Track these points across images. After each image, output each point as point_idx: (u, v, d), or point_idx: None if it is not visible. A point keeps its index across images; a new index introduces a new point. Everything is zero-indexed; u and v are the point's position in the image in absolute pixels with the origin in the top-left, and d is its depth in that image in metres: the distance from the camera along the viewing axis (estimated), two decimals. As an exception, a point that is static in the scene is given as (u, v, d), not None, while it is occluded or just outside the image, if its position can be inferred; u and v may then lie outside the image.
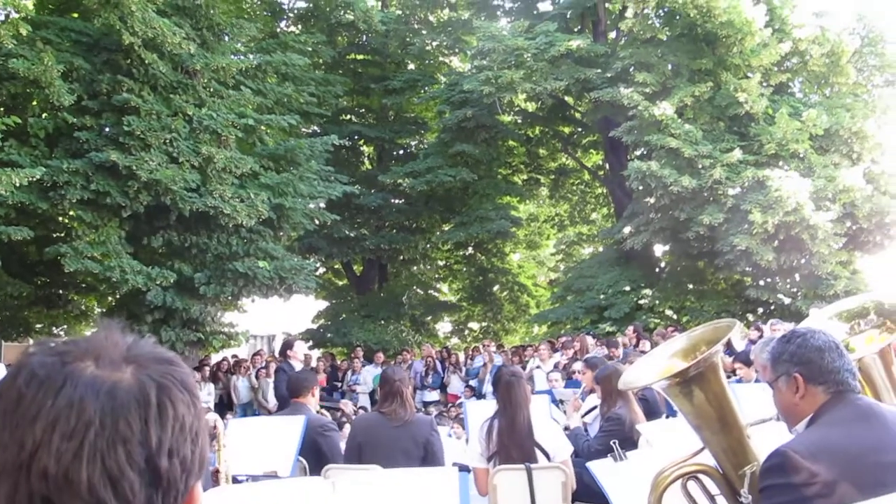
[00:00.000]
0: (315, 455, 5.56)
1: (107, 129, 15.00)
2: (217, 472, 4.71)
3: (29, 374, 0.99)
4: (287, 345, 11.03)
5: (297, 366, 10.79)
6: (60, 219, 15.89)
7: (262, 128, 17.72)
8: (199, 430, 1.02)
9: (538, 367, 15.16)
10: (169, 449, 0.97)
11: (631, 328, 17.39)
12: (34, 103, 14.79)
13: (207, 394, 15.87)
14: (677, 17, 21.41)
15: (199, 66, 15.93)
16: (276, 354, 21.09)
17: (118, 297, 16.59)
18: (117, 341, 1.04)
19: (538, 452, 5.21)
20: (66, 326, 19.92)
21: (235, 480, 4.92)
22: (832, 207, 19.76)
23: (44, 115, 14.62)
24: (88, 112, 14.80)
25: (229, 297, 17.30)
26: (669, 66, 21.59)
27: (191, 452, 1.00)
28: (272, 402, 16.21)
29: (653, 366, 3.42)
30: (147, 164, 14.23)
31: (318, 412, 6.24)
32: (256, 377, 16.79)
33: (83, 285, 17.61)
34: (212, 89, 16.54)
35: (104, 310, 18.74)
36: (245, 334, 19.08)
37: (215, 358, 19.19)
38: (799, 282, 21.27)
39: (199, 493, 1.05)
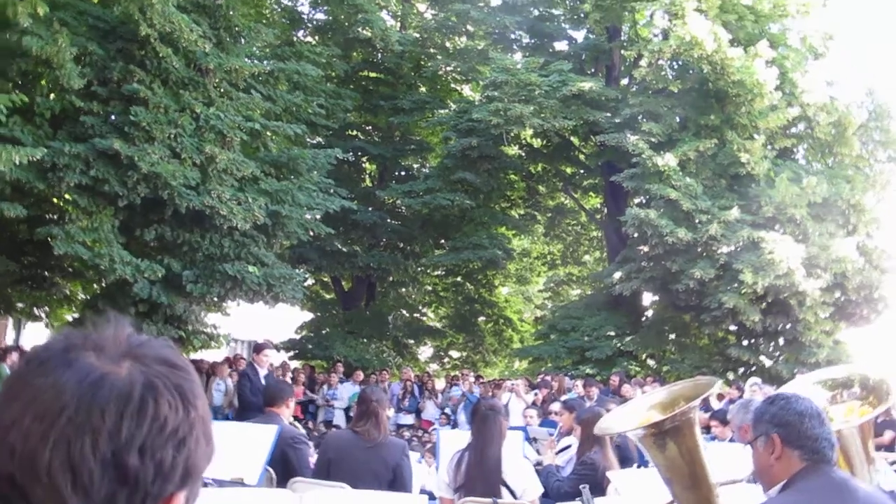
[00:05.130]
0: (283, 466, 5.54)
1: (113, 117, 14.97)
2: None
3: (34, 356, 1.00)
4: (255, 349, 10.88)
5: (263, 372, 10.65)
6: (56, 201, 15.83)
7: (268, 133, 17.73)
8: (186, 437, 0.99)
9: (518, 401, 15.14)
10: (141, 447, 0.94)
11: (616, 377, 17.39)
12: (43, 83, 14.77)
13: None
14: (690, 72, 21.56)
15: (212, 65, 15.95)
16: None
17: (104, 285, 16.51)
18: (123, 337, 1.04)
19: (504, 490, 5.19)
20: (47, 308, 19.83)
21: (204, 484, 4.89)
22: (823, 276, 19.84)
23: (51, 96, 14.61)
24: (97, 98, 14.78)
25: (215, 298, 17.23)
26: (677, 119, 21.74)
27: (171, 458, 0.97)
28: (247, 407, 16.14)
29: (631, 415, 3.44)
30: (149, 157, 14.20)
31: (291, 424, 6.21)
32: (237, 381, 16.73)
33: (70, 270, 17.52)
34: (222, 90, 16.55)
35: (88, 297, 18.68)
36: (226, 337, 19.01)
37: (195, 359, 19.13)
38: (782, 346, 21.35)
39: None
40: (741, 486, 3.07)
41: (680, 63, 22.07)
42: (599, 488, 5.64)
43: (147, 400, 0.97)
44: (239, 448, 5.35)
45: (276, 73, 18.69)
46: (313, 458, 5.99)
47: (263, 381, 10.37)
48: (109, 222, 14.83)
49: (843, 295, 20.76)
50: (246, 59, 17.28)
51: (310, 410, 18.17)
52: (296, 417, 11.74)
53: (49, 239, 14.14)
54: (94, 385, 0.96)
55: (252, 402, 9.66)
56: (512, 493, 5.16)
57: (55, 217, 15.44)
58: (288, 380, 17.09)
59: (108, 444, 0.93)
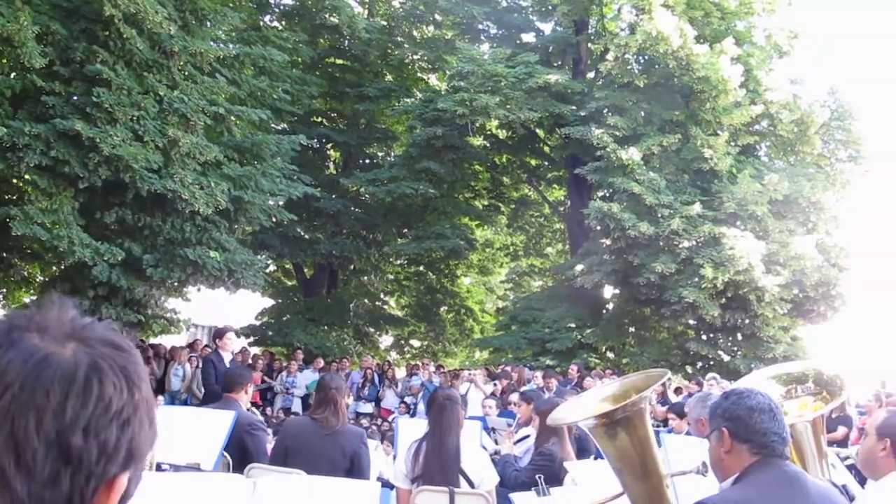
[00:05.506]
0: (240, 453, 5.52)
1: (75, 98, 14.75)
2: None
3: None
4: (217, 334, 10.74)
5: (227, 357, 10.58)
6: (15, 181, 15.63)
7: (232, 118, 17.58)
8: (130, 418, 0.99)
9: (476, 391, 15.20)
10: (85, 427, 0.94)
11: (574, 367, 17.52)
12: (4, 61, 14.56)
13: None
14: (656, 66, 21.70)
15: (176, 48, 15.78)
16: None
17: (63, 267, 16.34)
18: (67, 318, 1.04)
19: (462, 479, 5.21)
20: (4, 290, 19.59)
21: (159, 468, 4.88)
22: (782, 272, 20.09)
23: (12, 75, 14.39)
24: (59, 78, 14.57)
25: (175, 283, 17.10)
26: (642, 113, 21.87)
27: (115, 438, 0.97)
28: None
29: (584, 406, 3.47)
30: (111, 139, 14.02)
31: (248, 410, 6.19)
32: (196, 366, 16.67)
33: (28, 251, 17.31)
34: (187, 73, 16.39)
35: (47, 279, 18.47)
36: (186, 322, 18.89)
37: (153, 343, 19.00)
38: (740, 341, 21.58)
39: (123, 485, 1.00)
40: (693, 477, 3.11)
41: (646, 58, 22.19)
42: (556, 479, 5.67)
43: (92, 380, 0.96)
44: (196, 433, 5.33)
45: (242, 58, 18.53)
46: (271, 445, 5.98)
47: (228, 366, 10.36)
48: (69, 204, 14.64)
49: (801, 292, 21.02)
50: (211, 43, 17.12)
51: (267, 397, 18.11)
52: (254, 403, 11.74)
53: (7, 220, 13.94)
54: (38, 365, 0.96)
55: (216, 389, 9.58)
56: (470, 482, 5.18)
57: (14, 198, 15.24)
58: (254, 365, 17.10)
59: (53, 424, 0.93)
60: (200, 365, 15.84)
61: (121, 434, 0.98)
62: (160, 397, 14.94)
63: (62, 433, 0.93)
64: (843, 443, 11.92)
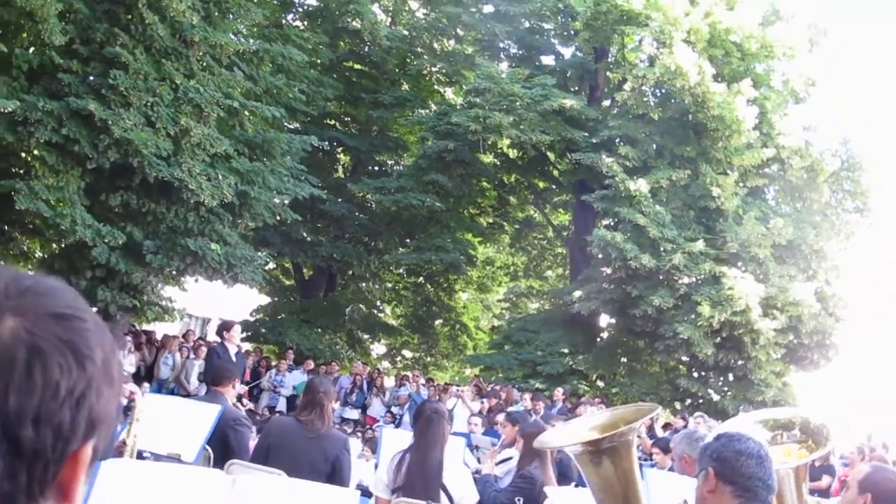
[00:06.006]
0: (222, 447, 5.51)
1: (91, 78, 14.78)
2: (123, 443, 4.65)
3: None
4: (224, 326, 10.68)
5: (233, 349, 10.55)
6: (23, 155, 15.64)
7: (246, 113, 17.59)
8: (84, 393, 0.90)
9: (464, 408, 15.18)
10: (35, 417, 0.86)
11: (560, 391, 17.52)
12: (24, 35, 14.60)
13: (129, 364, 15.66)
14: (672, 101, 21.72)
15: (197, 38, 15.82)
16: (208, 338, 20.97)
17: (63, 245, 16.33)
18: (2, 286, 0.93)
19: (443, 495, 5.19)
20: (2, 263, 19.56)
21: (140, 455, 4.86)
22: (779, 317, 20.09)
23: (31, 50, 14.43)
24: (77, 57, 14.61)
25: (174, 272, 17.08)
26: (654, 146, 21.90)
27: (70, 419, 0.89)
28: (194, 384, 16.06)
29: (572, 431, 3.47)
30: (123, 122, 14.04)
31: (234, 405, 6.17)
32: (186, 356, 16.68)
33: (30, 226, 17.31)
34: (205, 64, 16.42)
35: (46, 255, 18.45)
36: (181, 311, 18.87)
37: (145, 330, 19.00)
38: (731, 381, 21.57)
39: (87, 455, 0.94)
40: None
41: (663, 91, 22.23)
42: (536, 503, 5.65)
43: (34, 367, 0.87)
44: (180, 424, 5.32)
45: (261, 54, 18.57)
46: (254, 442, 5.96)
47: (234, 360, 10.36)
48: (76, 183, 14.66)
49: (796, 338, 21.02)
50: (232, 36, 17.17)
51: (253, 393, 18.09)
52: (240, 398, 11.74)
53: (12, 193, 13.94)
54: None
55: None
56: (450, 498, 5.16)
57: (21, 172, 15.24)
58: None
59: None
60: (199, 359, 15.90)
61: (76, 413, 0.90)
62: (146, 385, 14.89)
63: (9, 427, 0.86)
64: (825, 493, 11.88)
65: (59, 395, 0.88)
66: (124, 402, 4.95)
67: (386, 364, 30.30)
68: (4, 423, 0.85)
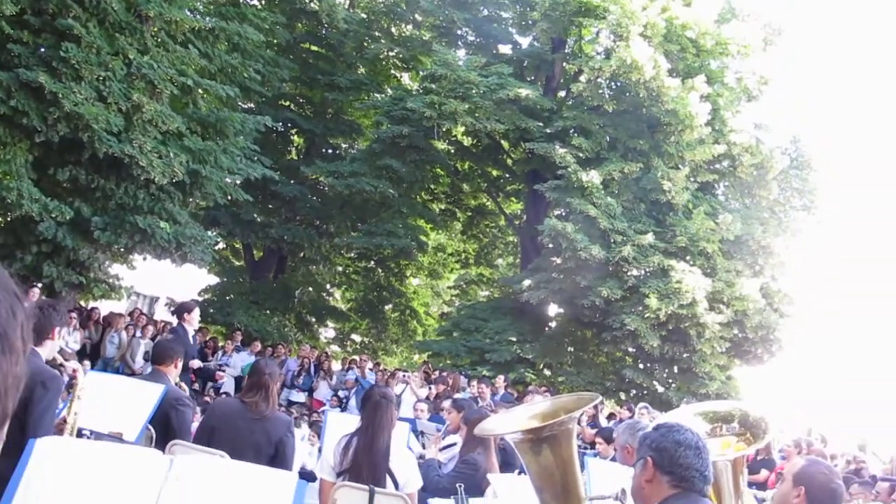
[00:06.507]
0: (164, 427, 5.47)
1: (42, 50, 14.53)
2: (64, 421, 4.61)
3: None
4: (185, 308, 10.53)
5: (192, 331, 10.46)
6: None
7: (200, 91, 17.41)
8: None
9: (411, 394, 15.22)
10: None
11: (501, 378, 17.63)
12: (-27, 4, 14.31)
13: (73, 341, 15.47)
14: (627, 94, 21.85)
15: (152, 13, 15.61)
16: (155, 317, 20.78)
17: (9, 219, 16.07)
18: None
19: (389, 479, 5.21)
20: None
21: (80, 434, 4.82)
22: (724, 311, 20.38)
23: (-20, 19, 14.16)
24: (28, 27, 14.34)
25: (122, 249, 16.90)
26: (607, 138, 22.02)
27: None
28: (139, 363, 15.90)
29: (513, 419, 3.50)
30: (74, 96, 13.82)
31: (177, 384, 6.12)
32: (133, 335, 16.52)
33: (-26, 199, 17.03)
34: (159, 39, 16.21)
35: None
36: (128, 289, 18.66)
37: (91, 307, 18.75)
38: (676, 374, 21.83)
39: None
40: (608, 502, 3.14)
41: (618, 84, 22.34)
42: (478, 489, 5.69)
43: None
44: (122, 403, 5.28)
45: (217, 32, 18.35)
46: (197, 423, 5.93)
47: (192, 342, 10.29)
48: (23, 156, 14.41)
49: (741, 332, 21.33)
50: (188, 13, 16.95)
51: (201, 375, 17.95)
52: (191, 381, 11.65)
53: (-44, 164, 13.69)
54: None
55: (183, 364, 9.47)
56: (395, 482, 5.19)
57: (-34, 143, 14.95)
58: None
59: None
60: (146, 338, 15.76)
61: None
62: (86, 363, 14.72)
63: None
64: (763, 485, 12.07)
65: None
66: (66, 379, 4.91)
67: (335, 348, 30.24)
68: None
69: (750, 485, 10.41)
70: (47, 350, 4.64)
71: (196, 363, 12.44)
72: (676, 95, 20.36)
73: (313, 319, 29.13)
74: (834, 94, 53.65)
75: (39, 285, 15.27)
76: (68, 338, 15.10)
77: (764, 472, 12.66)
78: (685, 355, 21.06)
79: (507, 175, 27.70)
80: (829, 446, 14.78)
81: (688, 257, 20.87)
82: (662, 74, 20.24)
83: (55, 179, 15.31)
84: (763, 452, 12.88)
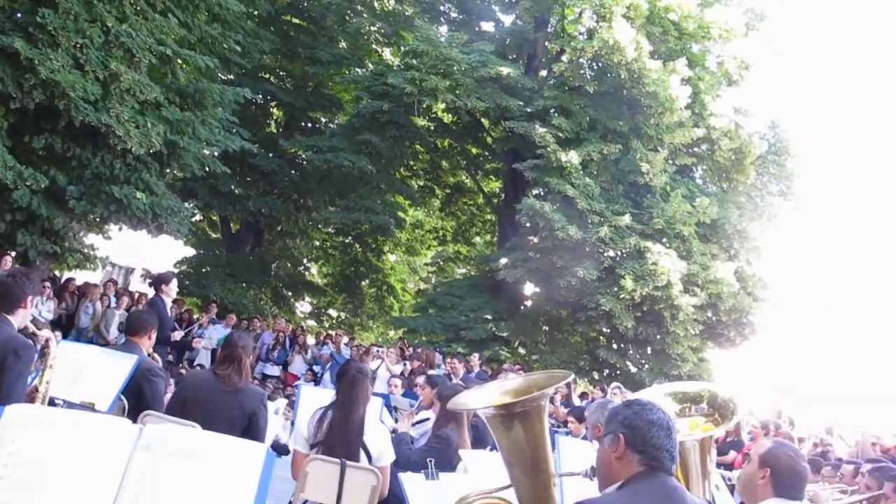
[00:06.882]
0: (136, 398, 5.46)
1: (18, 15, 14.36)
2: (35, 390, 4.59)
3: None
4: (163, 279, 10.45)
5: (170, 302, 10.42)
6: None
7: (179, 61, 17.28)
8: None
9: (385, 369, 15.27)
10: None
11: (477, 356, 17.69)
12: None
13: (47, 311, 15.38)
14: (608, 75, 21.84)
15: (131, -20, 15.48)
16: (130, 287, 20.68)
17: (-19, 187, 15.93)
18: None
19: (362, 453, 5.24)
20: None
21: (52, 403, 4.81)
22: (699, 294, 20.50)
23: (-47, -17, 13.96)
24: (4, -8, 14.19)
25: (97, 219, 16.76)
26: (587, 119, 22.03)
27: None
28: (113, 333, 15.84)
29: (485, 395, 3.52)
30: (50, 63, 13.65)
31: (149, 355, 6.11)
32: (107, 305, 16.44)
33: (-53, 166, 16.83)
34: (138, 7, 16.03)
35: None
36: (104, 260, 18.53)
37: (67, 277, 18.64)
38: (649, 355, 21.96)
39: None
40: (581, 479, 3.17)
41: (599, 65, 22.33)
42: (450, 464, 5.72)
43: None
44: (95, 373, 5.26)
45: (197, 1, 18.18)
46: (170, 395, 5.93)
47: (170, 313, 10.25)
48: (-2, 123, 14.26)
49: (714, 315, 21.47)
50: (167, -20, 16.79)
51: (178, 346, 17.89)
52: (167, 353, 11.62)
53: (-72, 130, 13.52)
54: None
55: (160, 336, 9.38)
56: (368, 455, 5.22)
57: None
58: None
59: None
60: (120, 308, 15.70)
61: None
62: (58, 333, 14.64)
63: None
64: (730, 466, 12.18)
65: None
66: (38, 348, 4.89)
67: (312, 323, 30.23)
68: None
69: (718, 465, 10.51)
70: (19, 319, 4.62)
71: (178, 334, 12.45)
72: (657, 78, 20.36)
73: (290, 294, 29.11)
74: (815, 82, 53.87)
75: (13, 254, 15.14)
76: (42, 307, 15.02)
77: (732, 454, 12.77)
78: (658, 337, 21.19)
79: (487, 153, 27.70)
80: (796, 429, 14.89)
81: (664, 239, 20.94)
82: (644, 56, 20.25)
83: (30, 147, 15.14)
84: (732, 434, 13.00)
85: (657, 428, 2.84)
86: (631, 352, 22.22)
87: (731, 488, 7.05)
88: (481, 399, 3.49)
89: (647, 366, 21.83)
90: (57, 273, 17.88)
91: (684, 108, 20.93)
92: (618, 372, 21.69)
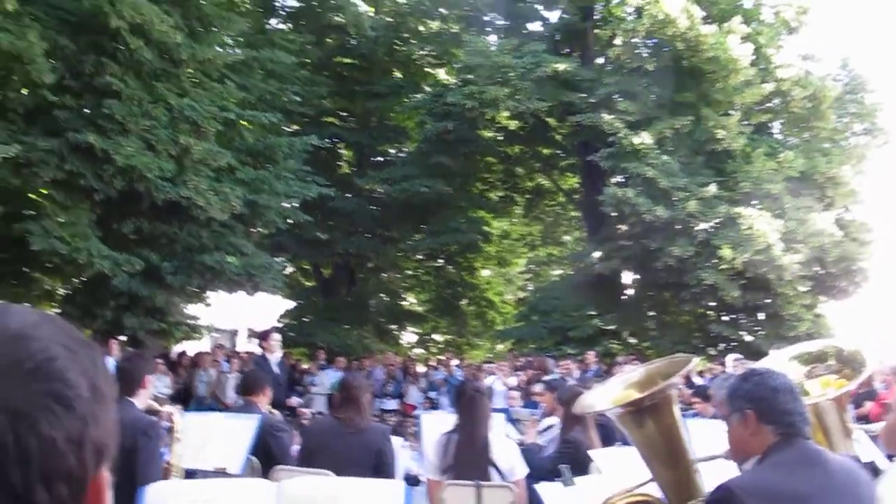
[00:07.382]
0: (265, 455, 5.55)
1: (86, 111, 14.80)
2: (169, 465, 4.70)
3: None
4: (262, 335, 10.68)
5: (274, 358, 10.58)
6: (32, 196, 15.70)
7: (243, 122, 17.62)
8: (82, 431, 0.82)
9: (500, 384, 15.23)
10: (43, 478, 0.78)
11: (591, 354, 17.52)
12: (15, 78, 14.61)
13: (165, 386, 15.74)
14: (665, 49, 21.56)
15: (185, 56, 15.82)
16: (236, 349, 21.05)
17: (83, 279, 16.43)
18: None
19: (493, 470, 5.23)
20: (29, 305, 19.64)
21: (189, 475, 4.92)
22: (801, 250, 20.00)
23: (24, 91, 14.46)
24: (69, 91, 14.62)
25: (195, 289, 17.18)
26: (653, 97, 21.74)
27: (77, 461, 0.80)
28: (231, 396, 16.13)
29: (609, 393, 3.47)
30: (124, 150, 14.08)
31: (269, 412, 6.22)
32: (220, 370, 16.74)
33: (48, 265, 17.37)
34: (196, 80, 16.44)
35: (69, 292, 18.55)
36: (208, 327, 18.95)
37: (178, 351, 19.06)
38: (763, 321, 21.50)
39: (104, 480, 0.86)
40: (721, 462, 3.10)
41: (654, 41, 22.06)
42: (582, 467, 5.66)
43: (25, 439, 0.78)
44: (221, 438, 5.36)
45: (250, 62, 18.54)
46: (296, 447, 6.01)
47: (277, 370, 10.32)
48: (86, 216, 14.72)
49: (822, 268, 20.95)
50: (218, 49, 17.15)
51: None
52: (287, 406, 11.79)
53: (26, 235, 14.01)
54: None
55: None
56: (500, 473, 5.21)
57: (32, 212, 15.31)
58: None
59: (9, 494, 0.78)
60: (233, 372, 15.97)
61: (81, 453, 0.82)
62: (178, 406, 14.93)
63: (21, 499, 0.78)
64: (868, 418, 11.79)
65: (58, 448, 0.80)
66: (165, 424, 5.01)
67: (419, 351, 30.34)
68: (16, 496, 0.78)
69: (857, 420, 10.21)
70: (141, 399, 4.74)
71: (295, 400, 12.52)
72: (715, 42, 20.02)
73: (392, 327, 29.28)
74: (878, 9, 52.28)
75: (123, 338, 15.58)
76: (158, 384, 15.38)
77: (868, 405, 12.35)
78: (768, 301, 20.75)
79: (559, 151, 27.54)
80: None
81: (754, 202, 20.53)
82: (697, 23, 19.95)
83: (120, 233, 15.62)
84: (864, 385, 12.58)
85: (782, 393, 2.76)
86: (743, 321, 21.79)
87: (873, 438, 6.83)
88: (607, 398, 3.43)
89: (762, 332, 21.35)
90: (167, 347, 18.30)
91: (749, 67, 20.52)
92: (734, 344, 21.26)
